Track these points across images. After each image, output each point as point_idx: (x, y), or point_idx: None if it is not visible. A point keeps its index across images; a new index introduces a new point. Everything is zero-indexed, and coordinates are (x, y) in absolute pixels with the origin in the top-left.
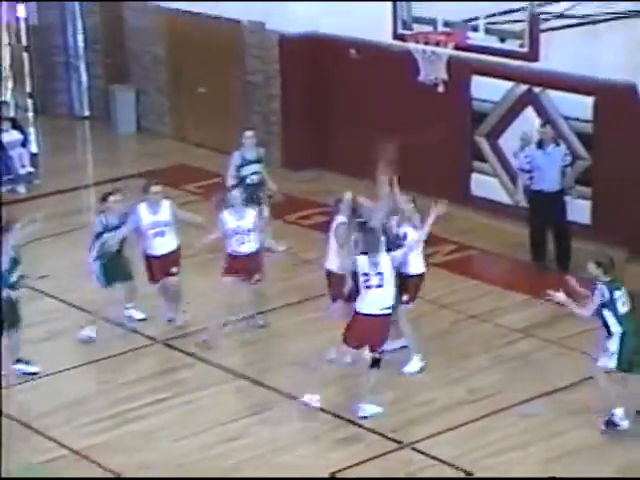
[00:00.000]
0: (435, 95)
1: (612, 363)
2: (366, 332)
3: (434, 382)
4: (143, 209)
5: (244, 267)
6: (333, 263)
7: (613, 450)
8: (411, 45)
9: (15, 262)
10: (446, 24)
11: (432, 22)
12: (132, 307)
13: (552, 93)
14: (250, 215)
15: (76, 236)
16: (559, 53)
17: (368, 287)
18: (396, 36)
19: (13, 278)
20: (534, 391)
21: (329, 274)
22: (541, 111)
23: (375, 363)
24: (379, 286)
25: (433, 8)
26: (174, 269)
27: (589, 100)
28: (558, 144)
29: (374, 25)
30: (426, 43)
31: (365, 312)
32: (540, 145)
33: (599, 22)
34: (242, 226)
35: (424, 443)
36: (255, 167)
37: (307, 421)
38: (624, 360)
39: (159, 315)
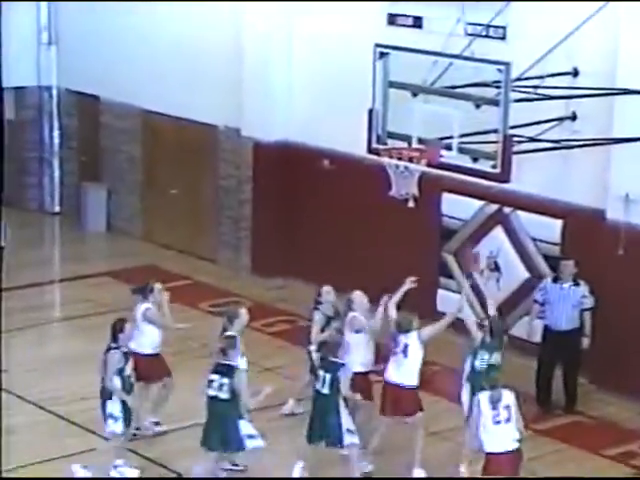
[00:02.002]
0: (405, 210)
1: None
2: (503, 471)
3: None
4: None
5: None
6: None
7: None
8: (384, 160)
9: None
10: (420, 141)
11: (406, 138)
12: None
13: (522, 214)
14: None
15: (39, 332)
16: (530, 175)
17: (497, 422)
18: (370, 150)
19: (127, 372)
20: None
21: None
22: (510, 231)
23: None
24: (508, 420)
25: (408, 125)
26: None
27: (558, 223)
28: (578, 284)
29: (349, 138)
30: (399, 159)
31: (497, 451)
32: (556, 279)
33: (570, 147)
34: None
35: None
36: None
37: None
38: None
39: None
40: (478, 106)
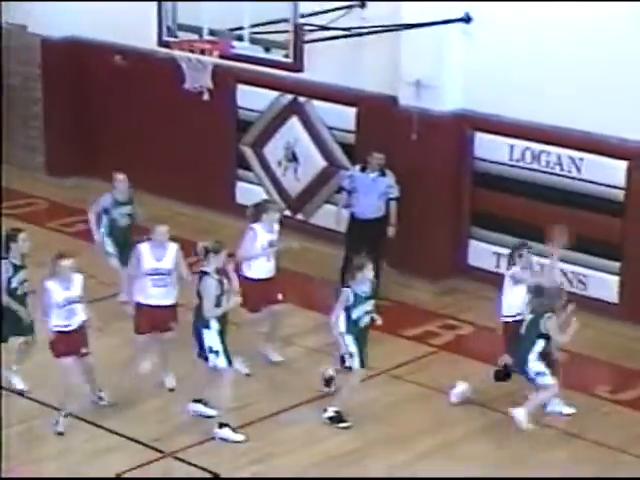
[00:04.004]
0: (200, 103)
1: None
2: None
3: (196, 392)
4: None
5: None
6: None
7: (373, 454)
8: (176, 53)
9: (17, 268)
10: (211, 33)
11: (197, 30)
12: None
13: (317, 103)
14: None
15: None
16: (323, 64)
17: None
18: (161, 43)
19: (14, 284)
20: (296, 399)
21: None
22: (306, 121)
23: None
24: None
25: (198, 16)
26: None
27: (352, 111)
28: (384, 174)
29: (139, 31)
30: (191, 51)
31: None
32: (364, 169)
33: (362, 35)
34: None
35: (186, 452)
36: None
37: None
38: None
39: None
40: None
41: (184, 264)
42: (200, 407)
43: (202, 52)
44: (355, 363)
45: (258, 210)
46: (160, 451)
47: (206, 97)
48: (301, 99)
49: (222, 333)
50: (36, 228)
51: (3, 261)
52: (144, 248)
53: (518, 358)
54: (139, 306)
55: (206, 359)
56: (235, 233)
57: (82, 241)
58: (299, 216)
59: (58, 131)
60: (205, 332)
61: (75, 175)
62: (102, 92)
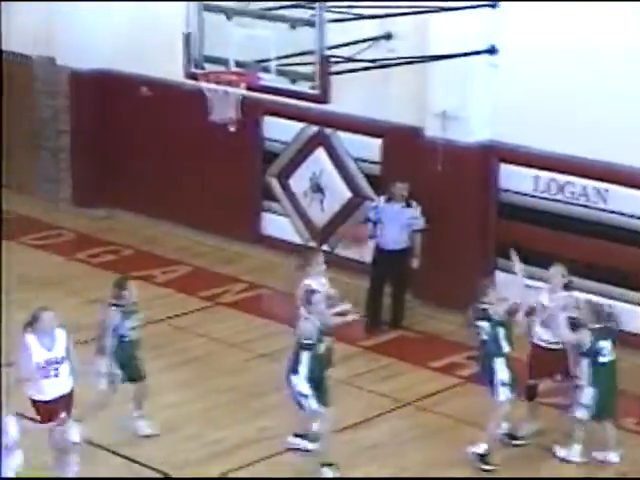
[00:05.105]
0: (227, 134)
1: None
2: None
3: (224, 421)
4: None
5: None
6: None
7: None
8: (203, 84)
9: (125, 315)
10: (238, 64)
11: (224, 62)
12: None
13: (342, 135)
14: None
15: None
16: (349, 95)
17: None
18: (188, 75)
19: (122, 331)
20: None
21: None
22: (332, 152)
23: None
24: None
25: (225, 48)
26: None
27: (377, 142)
28: (409, 205)
29: (167, 63)
30: (218, 83)
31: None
32: (389, 200)
33: (388, 66)
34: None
35: None
36: None
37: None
38: None
39: None
40: (294, 27)
41: (74, 350)
42: (299, 441)
43: (229, 84)
44: (503, 394)
45: (304, 262)
46: None
47: (232, 128)
48: (327, 130)
49: (312, 377)
50: (62, 259)
51: (112, 308)
52: (31, 340)
53: None
54: (35, 402)
55: (299, 404)
56: (260, 263)
57: (107, 272)
58: (324, 247)
59: (85, 163)
60: (293, 378)
61: (102, 206)
62: (129, 124)
